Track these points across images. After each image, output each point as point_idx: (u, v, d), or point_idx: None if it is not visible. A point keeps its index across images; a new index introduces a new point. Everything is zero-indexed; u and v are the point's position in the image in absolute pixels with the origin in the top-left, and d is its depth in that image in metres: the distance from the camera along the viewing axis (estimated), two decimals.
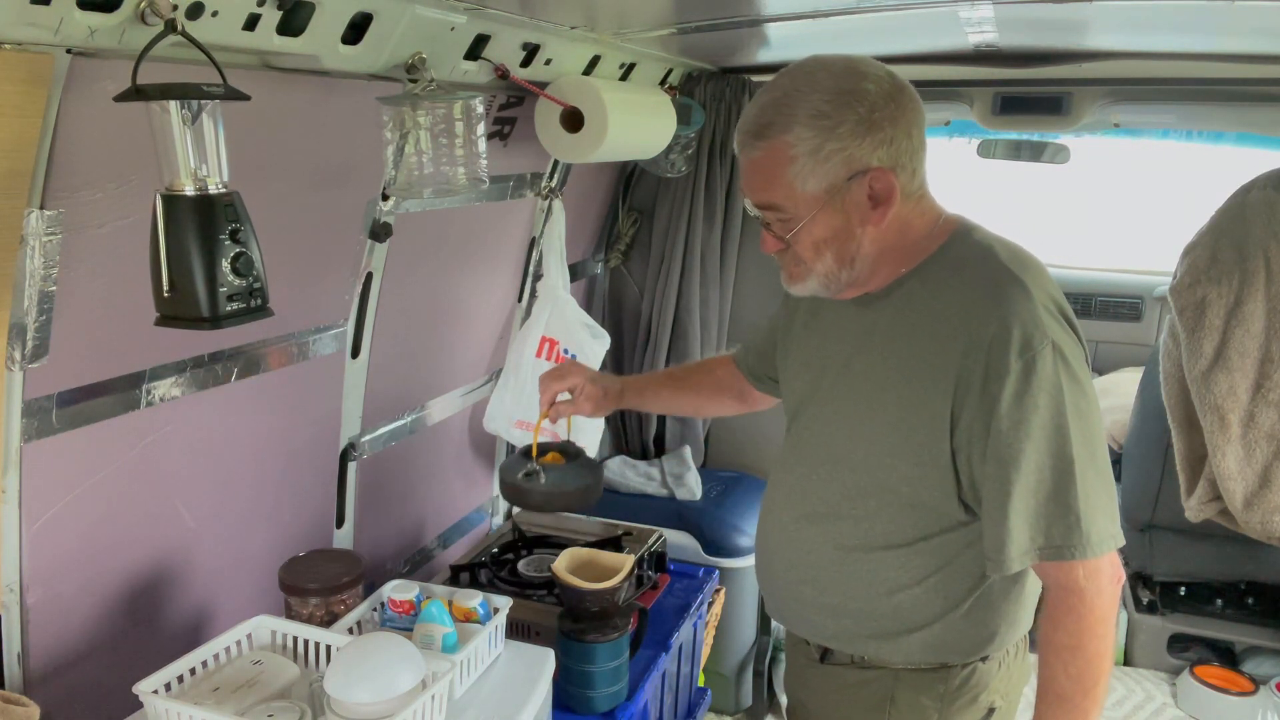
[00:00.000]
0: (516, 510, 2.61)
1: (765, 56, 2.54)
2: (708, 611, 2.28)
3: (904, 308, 1.30)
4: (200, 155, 1.11)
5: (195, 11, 1.12)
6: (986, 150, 3.05)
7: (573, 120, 1.97)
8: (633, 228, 2.96)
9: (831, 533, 1.37)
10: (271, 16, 1.23)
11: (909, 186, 1.27)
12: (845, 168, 1.22)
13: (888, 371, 1.30)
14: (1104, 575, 1.21)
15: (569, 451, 1.72)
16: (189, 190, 1.11)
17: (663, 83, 2.51)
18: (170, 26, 1.08)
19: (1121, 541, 1.22)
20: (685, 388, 1.80)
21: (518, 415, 2.45)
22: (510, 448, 2.66)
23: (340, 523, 2.01)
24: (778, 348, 1.57)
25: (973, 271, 1.27)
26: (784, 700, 1.78)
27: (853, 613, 1.38)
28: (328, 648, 1.41)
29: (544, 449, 1.70)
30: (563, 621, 1.68)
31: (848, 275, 1.31)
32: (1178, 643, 2.84)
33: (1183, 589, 2.85)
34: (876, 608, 1.36)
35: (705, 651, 2.38)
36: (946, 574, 1.32)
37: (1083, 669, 1.22)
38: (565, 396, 1.70)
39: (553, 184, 2.40)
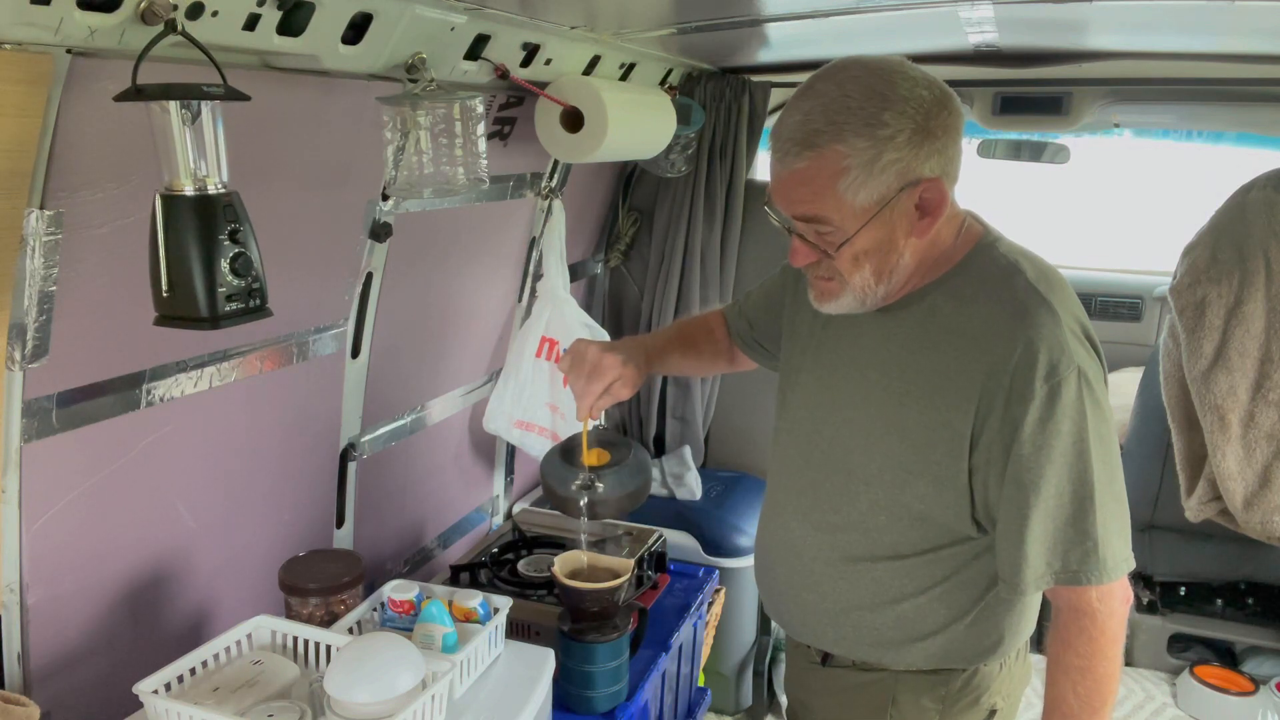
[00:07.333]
0: (517, 510, 2.61)
1: (765, 56, 2.54)
2: (708, 611, 2.28)
3: (926, 322, 1.27)
4: (200, 155, 1.11)
5: (195, 11, 1.12)
6: (986, 150, 3.05)
7: (573, 120, 1.97)
8: (633, 228, 2.96)
9: (839, 543, 1.36)
10: (271, 16, 1.24)
11: (952, 194, 1.24)
12: (899, 179, 1.16)
13: (907, 387, 1.27)
14: (1116, 598, 1.21)
15: (613, 443, 1.58)
16: (188, 190, 1.11)
17: (663, 83, 2.50)
18: (170, 26, 1.08)
19: (1133, 565, 1.22)
20: (690, 352, 1.73)
21: (518, 415, 2.45)
22: (510, 448, 2.66)
23: (340, 523, 2.01)
24: (783, 329, 1.52)
25: (999, 289, 1.24)
26: (784, 701, 1.78)
27: (855, 621, 1.37)
28: (328, 648, 1.40)
29: (588, 444, 1.54)
30: (563, 621, 1.68)
31: (884, 290, 1.26)
32: (1178, 643, 2.84)
33: (1183, 589, 2.85)
34: (879, 617, 1.35)
35: (705, 651, 2.37)
36: (951, 585, 1.32)
37: (1091, 689, 1.23)
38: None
39: (553, 184, 2.40)
